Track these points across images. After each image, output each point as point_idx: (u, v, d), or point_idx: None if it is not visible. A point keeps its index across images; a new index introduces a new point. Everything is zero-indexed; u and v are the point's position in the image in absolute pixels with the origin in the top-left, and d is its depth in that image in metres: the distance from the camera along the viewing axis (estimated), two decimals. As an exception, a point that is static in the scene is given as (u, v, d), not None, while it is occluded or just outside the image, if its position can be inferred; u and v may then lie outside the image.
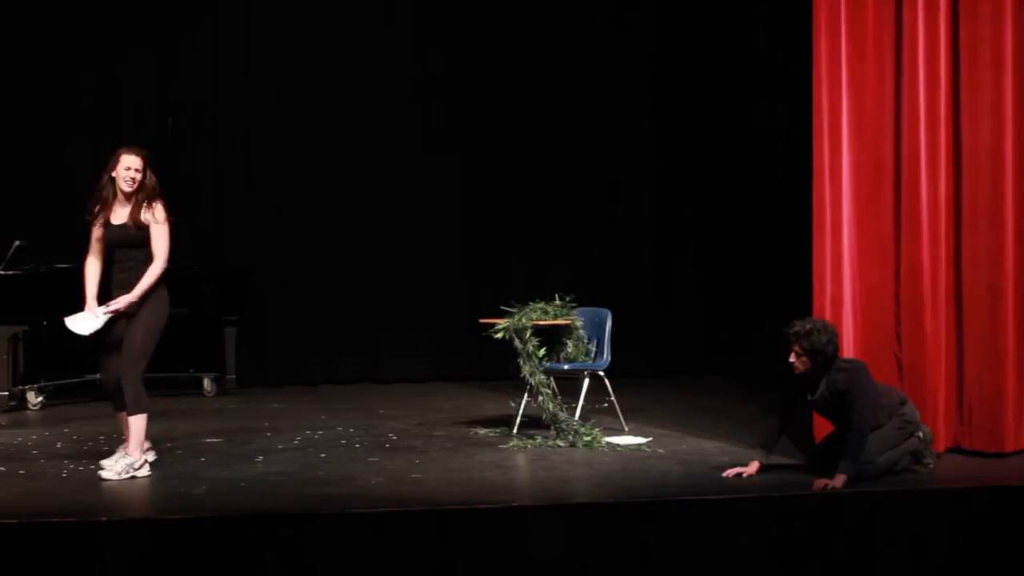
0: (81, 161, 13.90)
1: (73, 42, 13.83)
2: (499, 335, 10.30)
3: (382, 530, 7.34)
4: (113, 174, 8.98)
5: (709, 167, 14.56)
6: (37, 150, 13.65)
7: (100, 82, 13.95)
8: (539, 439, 10.13)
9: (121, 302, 8.92)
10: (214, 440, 10.40)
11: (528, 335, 10.24)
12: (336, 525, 7.37)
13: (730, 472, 8.55)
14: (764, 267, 14.06)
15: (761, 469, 8.53)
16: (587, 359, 10.65)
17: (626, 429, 10.47)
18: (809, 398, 8.57)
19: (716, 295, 14.57)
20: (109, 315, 8.94)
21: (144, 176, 8.97)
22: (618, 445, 9.87)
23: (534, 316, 10.38)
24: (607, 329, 10.69)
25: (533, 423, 10.50)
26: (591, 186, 14.58)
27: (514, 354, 10.30)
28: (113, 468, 8.81)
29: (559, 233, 14.37)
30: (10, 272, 12.08)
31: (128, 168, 8.92)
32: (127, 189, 8.93)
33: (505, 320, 10.34)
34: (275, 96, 14.12)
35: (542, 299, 10.59)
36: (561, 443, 9.98)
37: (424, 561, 7.28)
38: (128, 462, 8.82)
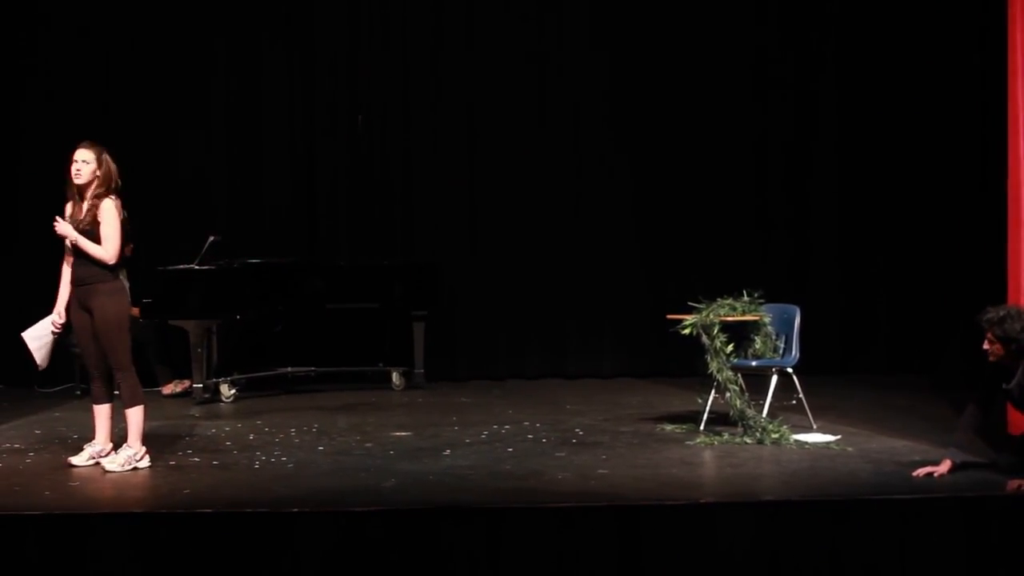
0: (279, 159, 14.21)
1: (271, 44, 14.13)
2: (686, 331, 10.24)
3: (569, 525, 7.37)
4: None
5: (898, 162, 14.30)
6: (234, 147, 14.02)
7: (293, 81, 14.18)
8: (726, 436, 10.07)
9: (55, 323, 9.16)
10: (403, 433, 10.51)
11: (716, 331, 10.17)
12: (523, 519, 7.41)
13: (921, 471, 8.42)
14: (955, 264, 13.77)
15: (953, 468, 8.39)
16: (775, 356, 10.56)
17: (814, 426, 10.37)
18: (1004, 387, 8.40)
19: (906, 292, 14.31)
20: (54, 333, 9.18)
21: (98, 168, 8.89)
22: (806, 443, 9.79)
23: (722, 312, 10.30)
24: (796, 326, 10.57)
25: (720, 420, 10.44)
26: (777, 181, 14.44)
27: (701, 350, 10.25)
28: (115, 460, 9.02)
29: (746, 229, 14.25)
30: (205, 267, 12.35)
31: (74, 161, 8.93)
32: (74, 180, 8.93)
33: (693, 316, 10.29)
34: (462, 96, 14.21)
35: (729, 295, 10.53)
36: (748, 440, 9.92)
37: (610, 556, 7.30)
38: (129, 454, 9.02)
